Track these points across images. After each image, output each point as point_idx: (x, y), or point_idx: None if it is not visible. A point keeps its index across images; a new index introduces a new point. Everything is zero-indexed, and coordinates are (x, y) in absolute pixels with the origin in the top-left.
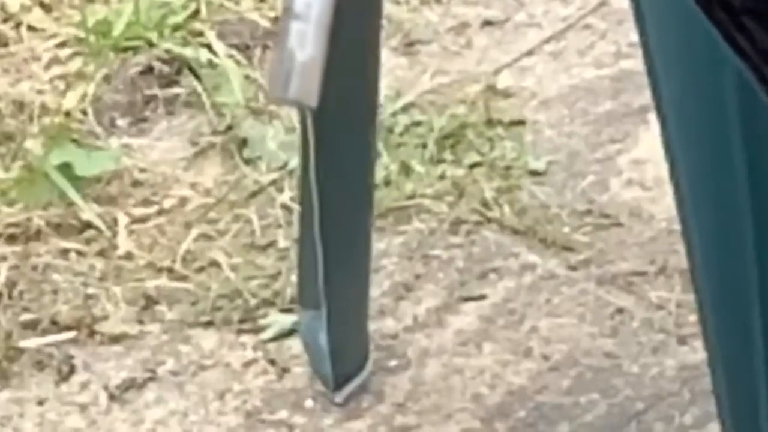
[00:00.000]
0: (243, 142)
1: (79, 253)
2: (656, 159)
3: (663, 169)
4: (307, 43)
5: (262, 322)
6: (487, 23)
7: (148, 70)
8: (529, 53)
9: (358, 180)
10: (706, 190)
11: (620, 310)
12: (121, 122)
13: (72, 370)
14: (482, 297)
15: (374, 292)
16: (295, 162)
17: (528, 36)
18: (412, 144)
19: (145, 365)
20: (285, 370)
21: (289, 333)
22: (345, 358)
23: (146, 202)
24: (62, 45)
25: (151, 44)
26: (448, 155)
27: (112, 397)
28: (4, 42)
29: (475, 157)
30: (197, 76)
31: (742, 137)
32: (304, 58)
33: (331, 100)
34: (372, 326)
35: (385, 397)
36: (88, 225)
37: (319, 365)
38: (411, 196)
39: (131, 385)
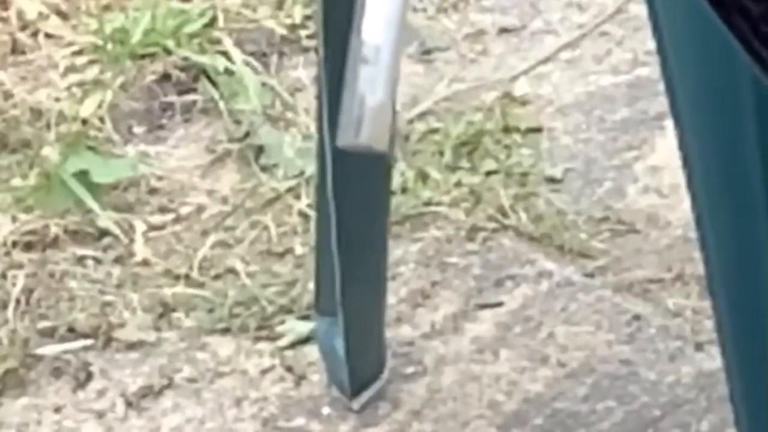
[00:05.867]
0: (260, 150)
1: (96, 260)
2: (673, 166)
3: (680, 176)
4: (377, 88)
5: (279, 329)
6: (504, 30)
7: (165, 77)
8: (546, 60)
9: (375, 187)
10: (722, 197)
11: (637, 317)
12: (138, 129)
13: (89, 377)
14: (499, 304)
15: (391, 299)
16: (312, 169)
17: (544, 43)
18: (428, 151)
19: (162, 372)
20: (302, 377)
21: (306, 340)
22: (362, 365)
23: (163, 210)
24: (79, 53)
25: (168, 52)
26: (464, 162)
27: (129, 404)
28: (22, 49)
29: (491, 164)
30: (214, 84)
31: (758, 144)
32: (374, 103)
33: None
34: (389, 333)
35: (401, 405)
36: (105, 232)
37: (336, 372)
38: (428, 203)
39: (148, 392)
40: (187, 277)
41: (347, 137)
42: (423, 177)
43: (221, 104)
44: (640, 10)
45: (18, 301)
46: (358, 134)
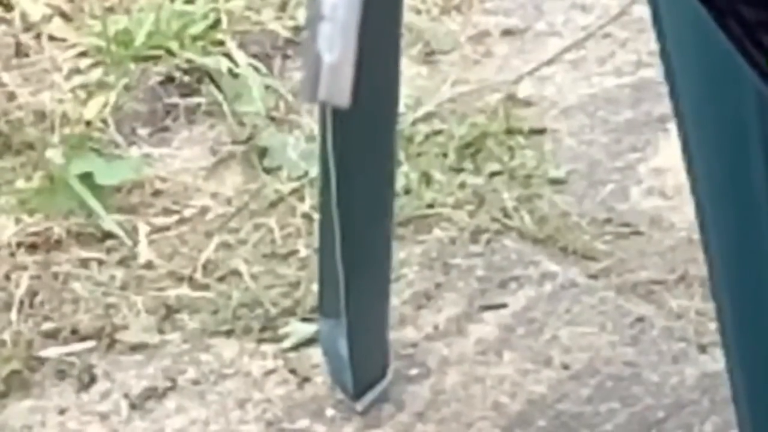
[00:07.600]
0: (263, 152)
1: (100, 262)
2: (676, 168)
3: (683, 178)
4: (335, 44)
5: (282, 331)
6: (507, 32)
7: (169, 79)
8: (549, 62)
9: (379, 189)
10: (725, 199)
11: (640, 319)
12: (141, 131)
13: (93, 379)
14: (502, 306)
15: (394, 300)
16: (315, 171)
17: (548, 45)
18: (432, 153)
19: (166, 374)
20: (305, 379)
21: (309, 342)
22: (365, 367)
23: (167, 212)
24: (83, 55)
25: (171, 54)
26: (468, 164)
27: (132, 406)
28: (25, 52)
29: (495, 166)
30: (218, 86)
31: (761, 146)
32: (332, 59)
33: (351, 109)
34: (392, 335)
35: (405, 406)
36: (109, 234)
37: (340, 374)
38: (431, 205)
39: (152, 394)
40: (190, 279)
41: (307, 95)
42: (426, 179)
43: (225, 106)
44: (644, 12)
45: (22, 303)
46: (317, 91)
